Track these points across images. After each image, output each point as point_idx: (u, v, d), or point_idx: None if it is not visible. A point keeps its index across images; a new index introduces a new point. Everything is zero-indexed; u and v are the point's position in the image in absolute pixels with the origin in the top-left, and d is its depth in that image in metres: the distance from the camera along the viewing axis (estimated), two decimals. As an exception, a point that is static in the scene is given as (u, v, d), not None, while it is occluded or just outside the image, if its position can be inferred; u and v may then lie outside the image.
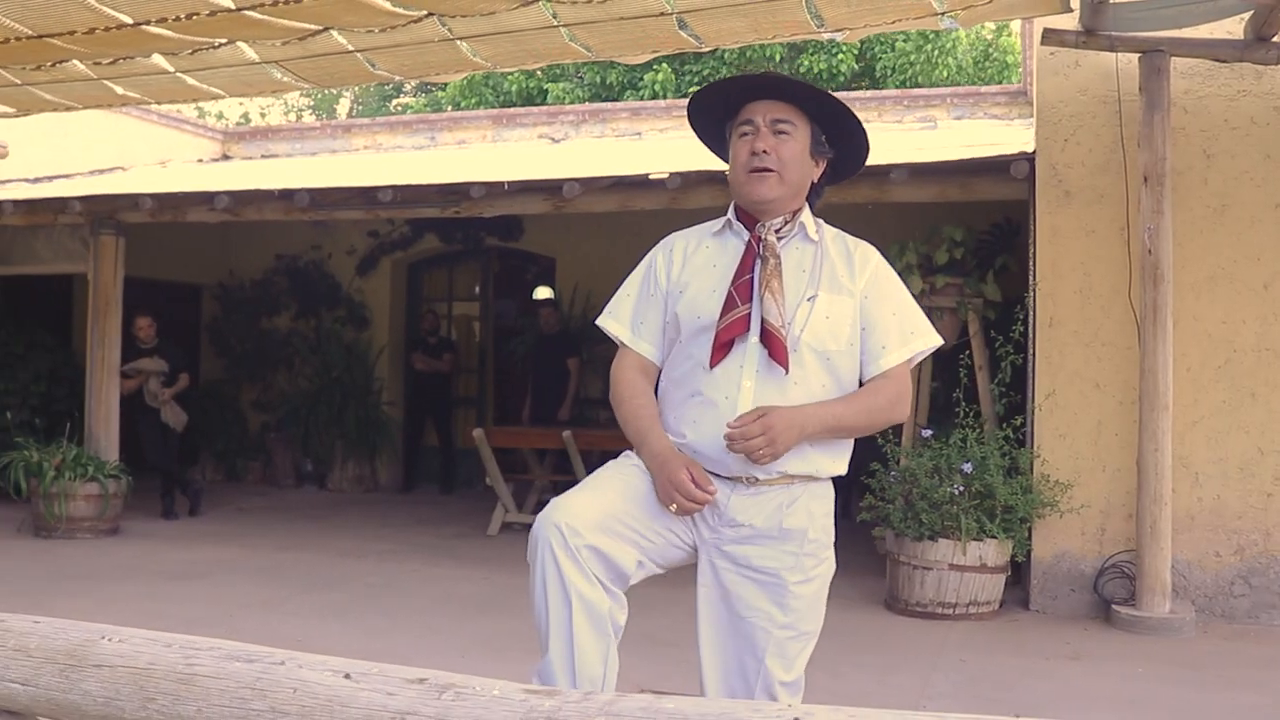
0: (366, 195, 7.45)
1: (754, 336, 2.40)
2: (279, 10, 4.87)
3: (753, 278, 2.44)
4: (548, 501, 7.84)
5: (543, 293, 11.83)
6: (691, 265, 2.54)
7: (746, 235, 2.50)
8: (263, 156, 11.71)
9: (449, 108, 16.77)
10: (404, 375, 11.67)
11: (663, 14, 5.16)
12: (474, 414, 11.99)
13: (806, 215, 2.55)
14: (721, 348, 2.41)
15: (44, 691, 1.58)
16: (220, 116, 13.97)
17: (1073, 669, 5.04)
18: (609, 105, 11.91)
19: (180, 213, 8.13)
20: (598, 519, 2.29)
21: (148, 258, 9.42)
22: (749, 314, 2.41)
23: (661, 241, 2.65)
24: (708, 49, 5.83)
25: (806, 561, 2.41)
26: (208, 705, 1.47)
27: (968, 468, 6.05)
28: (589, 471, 8.34)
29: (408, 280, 12.03)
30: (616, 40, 5.65)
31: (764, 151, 2.44)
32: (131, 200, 7.91)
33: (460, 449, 11.67)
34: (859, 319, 2.46)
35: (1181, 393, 5.97)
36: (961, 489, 6.00)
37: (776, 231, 2.49)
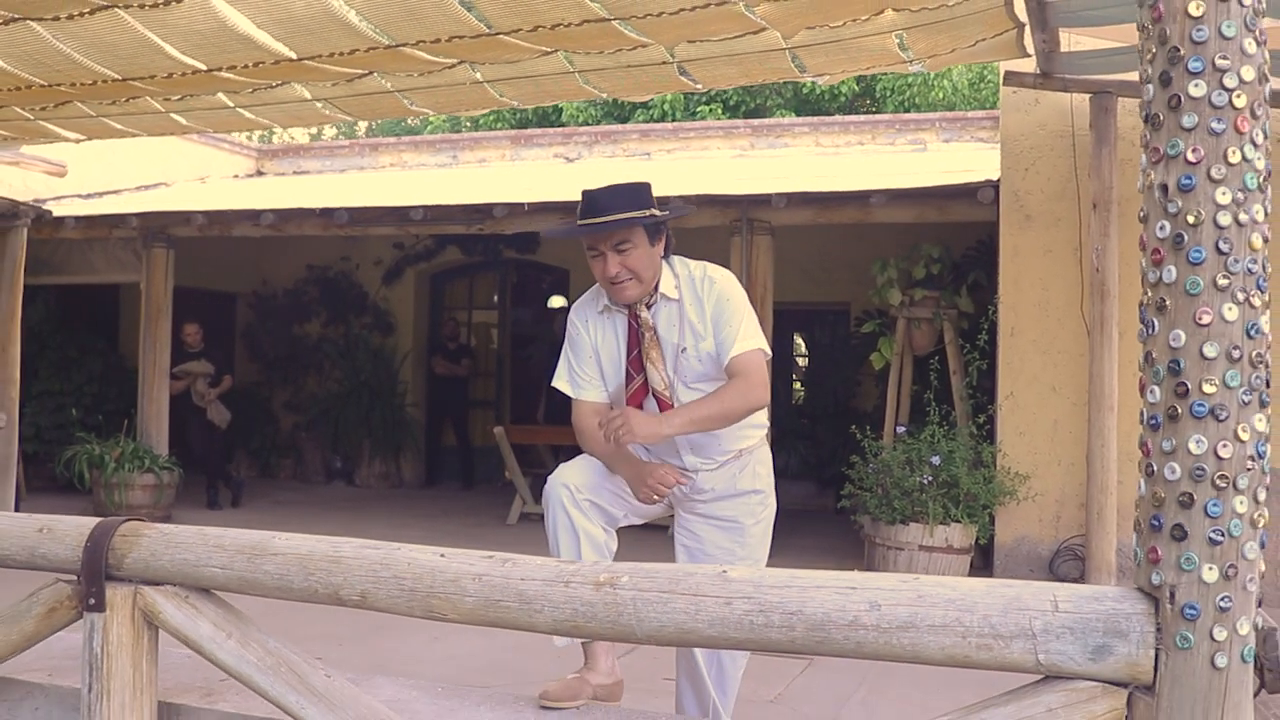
0: (399, 214, 8.24)
1: (652, 401, 3.13)
2: (333, 60, 5.68)
3: (639, 352, 3.13)
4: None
5: (557, 302, 12.62)
6: (596, 333, 3.21)
7: (625, 313, 3.15)
8: (294, 173, 12.51)
9: (467, 125, 17.56)
10: (425, 379, 12.46)
11: (665, 63, 5.95)
12: (491, 415, 12.78)
13: (664, 279, 3.13)
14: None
15: (235, 573, 2.34)
16: (253, 136, 14.74)
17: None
18: (620, 127, 12.67)
19: (227, 227, 8.93)
20: (593, 483, 3.05)
21: (188, 268, 10.20)
22: (645, 381, 3.13)
23: (570, 316, 3.29)
24: (705, 89, 6.60)
25: (756, 509, 3.20)
26: (350, 575, 2.23)
27: (936, 460, 6.80)
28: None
29: (430, 290, 12.83)
30: (625, 83, 6.45)
31: (616, 273, 3.04)
32: (184, 216, 8.71)
33: (477, 447, 12.48)
34: (718, 339, 3.09)
35: (1127, 395, 6.70)
36: (930, 479, 6.75)
37: (646, 306, 3.13)
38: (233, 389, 10.39)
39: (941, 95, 15.46)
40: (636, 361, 3.13)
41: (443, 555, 2.21)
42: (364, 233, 9.04)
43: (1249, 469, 1.75)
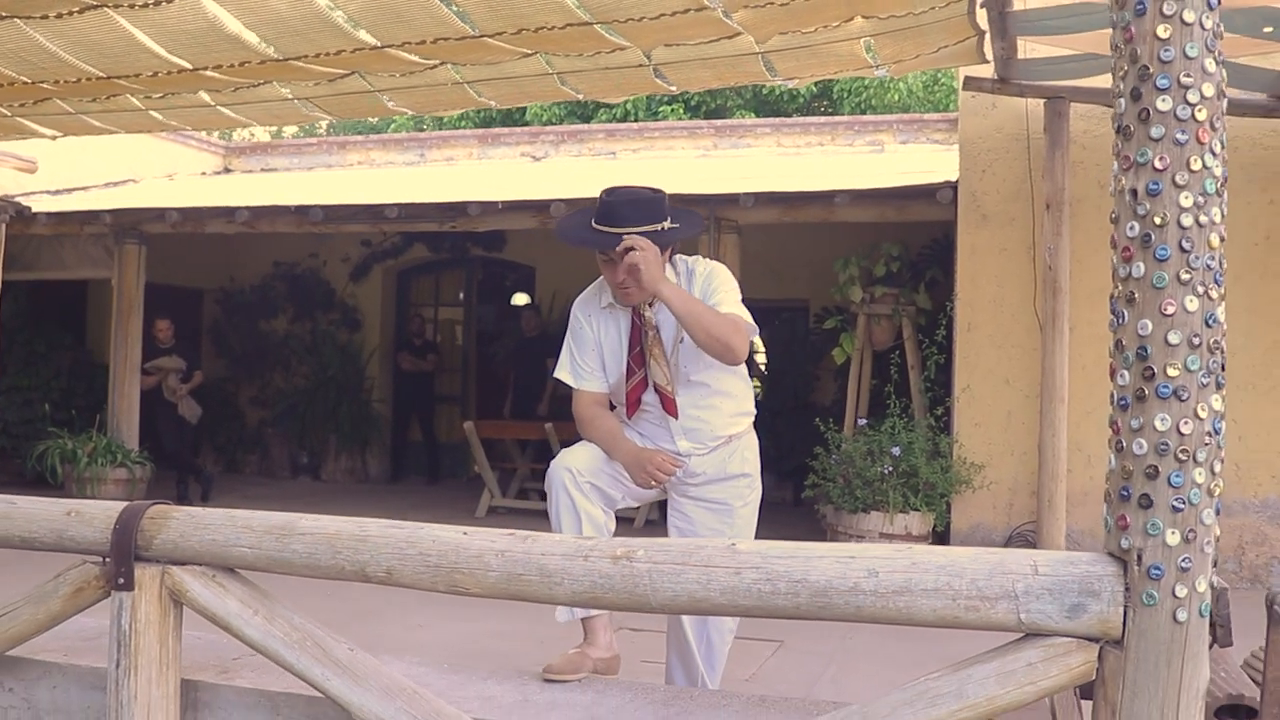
0: (374, 211, 8.35)
1: (651, 394, 3.30)
2: (319, 60, 5.79)
3: (642, 349, 3.31)
4: (529, 489, 8.76)
5: (520, 299, 12.79)
6: (600, 328, 3.37)
7: (629, 311, 3.33)
8: (262, 170, 12.56)
9: (428, 124, 17.62)
10: (391, 374, 12.55)
11: (641, 65, 6.11)
12: (456, 411, 12.90)
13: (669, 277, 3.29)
14: (633, 405, 3.34)
15: (264, 552, 2.48)
16: (224, 134, 14.72)
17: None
18: (586, 127, 12.83)
19: (200, 224, 8.99)
20: (594, 468, 3.21)
21: (155, 264, 10.23)
22: (645, 376, 3.30)
23: (574, 309, 3.46)
24: (678, 91, 6.78)
25: (745, 492, 3.40)
26: (377, 553, 2.38)
27: (896, 451, 7.03)
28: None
29: (397, 286, 12.92)
30: (601, 85, 6.61)
31: (624, 281, 3.20)
32: (158, 213, 8.77)
33: (442, 443, 12.61)
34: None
35: (1077, 387, 6.96)
36: (891, 469, 6.98)
37: (649, 306, 3.31)
38: (201, 385, 10.43)
39: (897, 97, 15.75)
40: (639, 357, 3.29)
41: (466, 533, 2.37)
42: (337, 230, 9.13)
43: (1206, 444, 1.95)
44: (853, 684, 4.80)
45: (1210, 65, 1.96)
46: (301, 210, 8.40)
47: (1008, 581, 2.04)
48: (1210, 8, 1.97)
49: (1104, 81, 6.66)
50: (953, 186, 7.40)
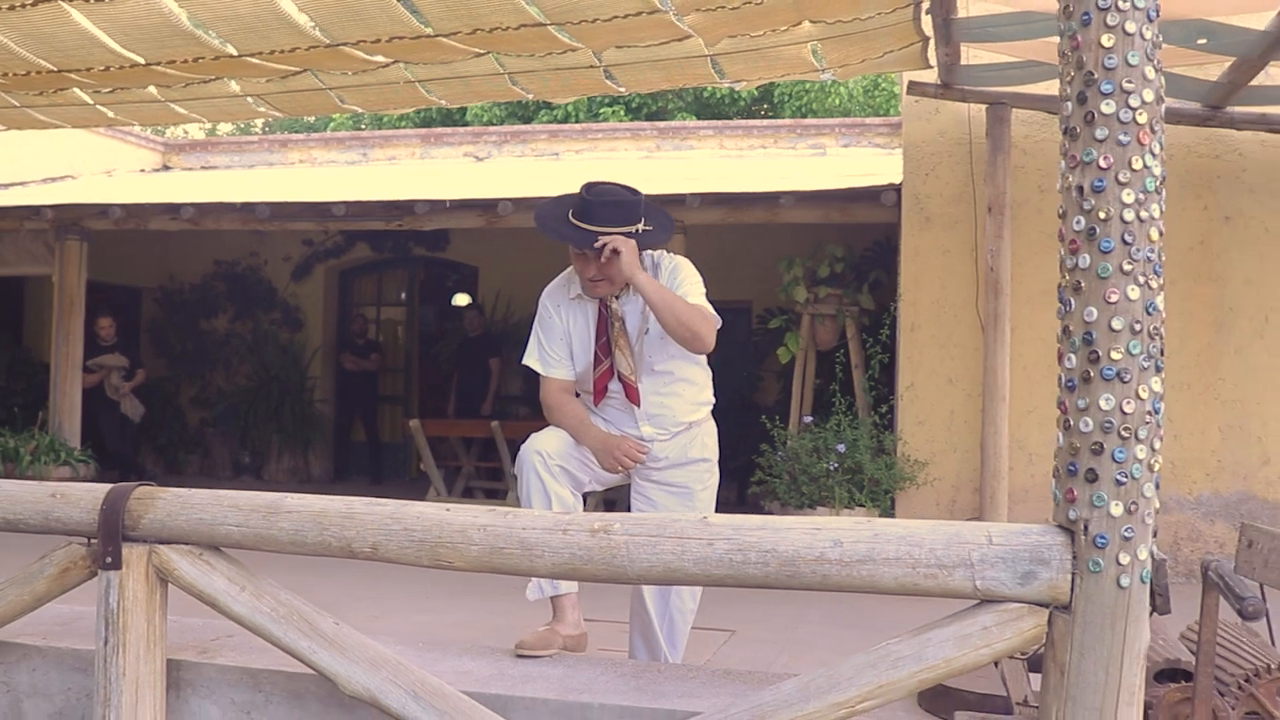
0: (321, 209, 8.37)
1: (616, 382, 3.43)
2: (273, 57, 5.84)
3: (608, 339, 3.45)
4: (473, 487, 8.81)
5: (461, 299, 12.86)
6: (567, 318, 3.51)
7: (596, 302, 3.47)
8: (202, 168, 12.47)
9: (366, 123, 17.57)
10: (334, 374, 12.54)
11: (592, 66, 6.24)
12: (400, 411, 12.92)
13: None
14: (600, 392, 3.48)
15: (251, 530, 2.57)
16: (155, 130, 14.56)
17: (923, 605, 6.18)
18: (529, 127, 12.91)
19: (144, 221, 8.94)
20: (563, 451, 3.33)
21: (94, 262, 10.12)
22: (611, 365, 3.44)
23: (542, 298, 3.59)
24: (627, 92, 6.91)
25: (705, 476, 3.55)
26: (364, 530, 2.48)
27: (841, 448, 7.21)
28: (513, 457, 9.36)
29: (339, 286, 12.91)
30: (552, 85, 6.72)
31: (594, 276, 3.36)
32: (100, 209, 8.72)
33: (385, 443, 12.63)
34: None
35: (1018, 387, 7.19)
36: (836, 465, 7.16)
37: (616, 298, 3.46)
38: (143, 383, 10.36)
39: (838, 101, 16.02)
40: (605, 346, 3.42)
41: (449, 510, 2.47)
42: (282, 228, 9.13)
43: (1147, 422, 2.11)
44: (805, 669, 4.93)
45: (1150, 73, 2.12)
46: (247, 207, 8.40)
47: (964, 550, 2.20)
48: (1150, 19, 2.14)
49: (1045, 88, 6.91)
50: (896, 189, 7.60)
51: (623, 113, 15.78)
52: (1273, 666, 2.24)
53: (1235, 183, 7.15)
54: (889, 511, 7.32)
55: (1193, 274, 7.09)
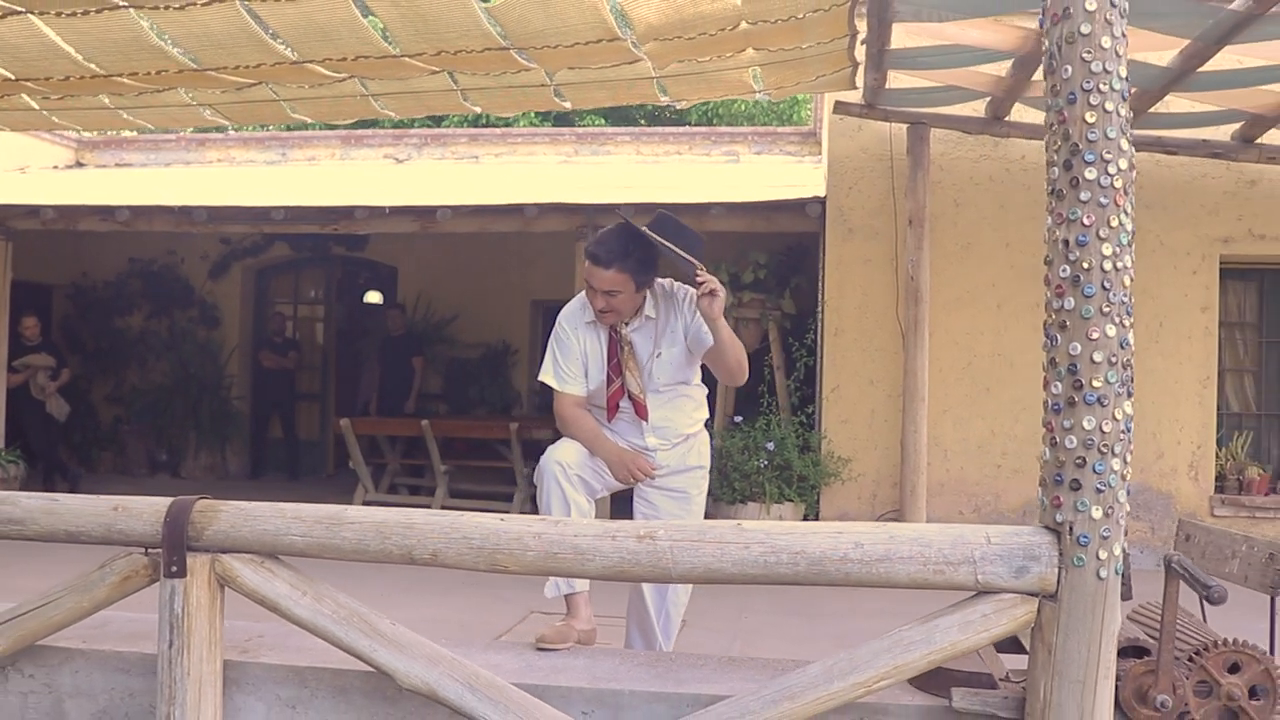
0: (259, 213, 8.47)
1: (626, 399, 3.76)
2: (237, 71, 5.98)
3: (619, 361, 3.76)
4: (398, 484, 9.01)
5: (373, 297, 13.01)
6: (583, 339, 3.80)
7: (607, 329, 3.77)
8: (116, 165, 12.34)
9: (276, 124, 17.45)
10: (252, 372, 12.56)
11: (544, 85, 6.50)
12: (317, 408, 13.01)
13: (646, 303, 3.75)
14: (612, 409, 3.79)
15: (315, 540, 2.80)
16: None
17: (852, 595, 6.59)
18: (449, 130, 13.06)
19: (74, 221, 8.92)
20: (580, 462, 3.63)
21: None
22: (622, 384, 3.76)
23: (560, 320, 3.86)
24: (573, 108, 7.18)
25: (700, 481, 3.89)
26: (424, 538, 2.73)
27: (771, 446, 7.61)
28: (445, 453, 9.56)
29: (256, 284, 12.91)
30: (501, 101, 6.98)
31: (602, 307, 3.67)
32: (31, 209, 8.67)
33: (301, 440, 12.70)
34: (686, 337, 3.77)
35: (935, 388, 7.67)
36: (766, 462, 7.55)
37: (626, 324, 3.76)
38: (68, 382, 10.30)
39: (743, 107, 16.46)
40: (616, 367, 3.73)
41: (503, 519, 2.75)
42: (216, 230, 9.17)
43: (1121, 439, 2.50)
44: (759, 654, 5.30)
45: (1124, 144, 2.51)
46: (184, 211, 8.46)
47: (967, 550, 2.56)
48: (1123, 99, 2.52)
49: (962, 110, 7.39)
50: (821, 201, 8.02)
51: (534, 116, 15.97)
52: (1219, 643, 2.65)
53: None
54: (814, 506, 7.75)
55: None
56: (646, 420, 3.73)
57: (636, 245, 3.68)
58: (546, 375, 3.82)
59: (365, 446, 10.60)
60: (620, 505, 4.47)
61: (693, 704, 2.82)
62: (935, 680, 2.83)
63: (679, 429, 3.78)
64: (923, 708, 2.79)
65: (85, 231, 10.90)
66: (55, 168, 12.08)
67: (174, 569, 2.87)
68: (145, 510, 2.96)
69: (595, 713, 2.89)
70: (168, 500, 2.97)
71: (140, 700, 3.16)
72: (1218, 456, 7.98)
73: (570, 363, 3.77)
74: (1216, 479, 7.93)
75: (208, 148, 12.44)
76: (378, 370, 11.86)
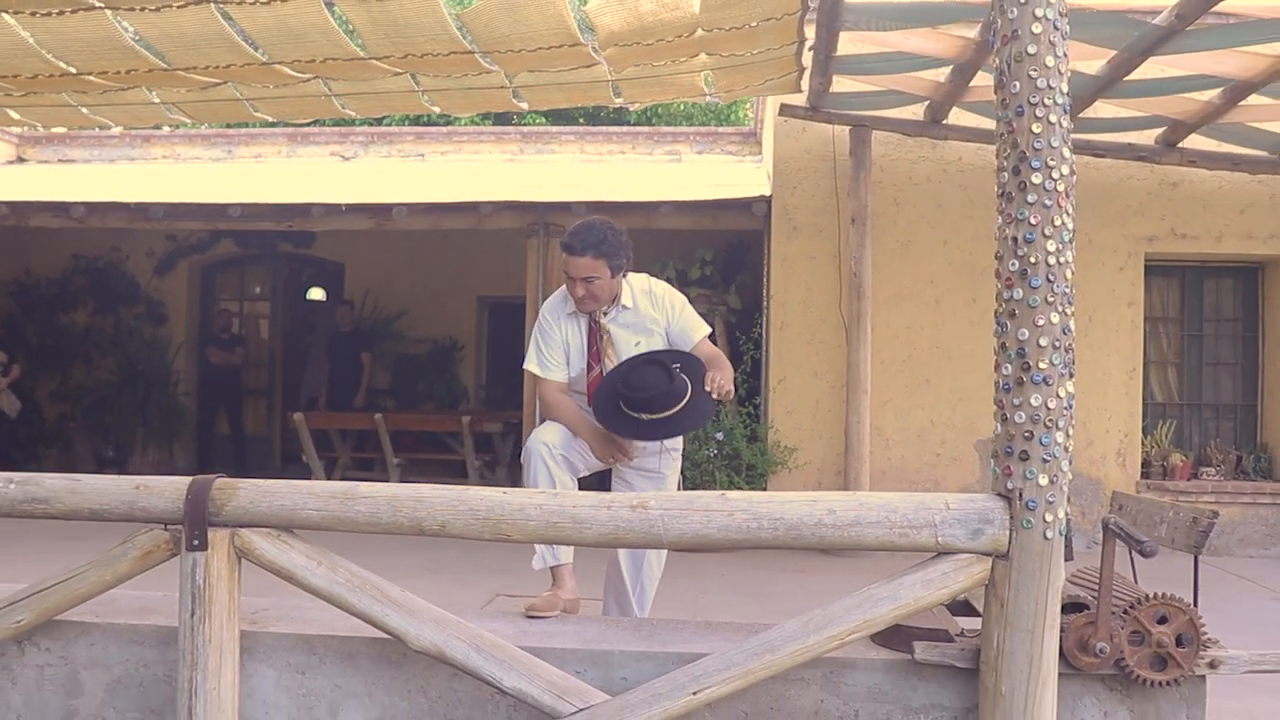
0: (215, 210, 8.59)
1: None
2: (206, 71, 6.13)
3: (598, 349, 4.04)
4: (349, 476, 9.25)
5: (316, 294, 13.13)
6: (565, 329, 4.08)
7: (586, 319, 4.06)
8: (59, 161, 12.31)
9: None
10: (199, 368, 12.61)
11: (503, 87, 6.72)
12: (264, 404, 13.08)
13: (622, 293, 4.06)
14: (592, 395, 4.03)
15: (330, 514, 3.02)
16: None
17: (799, 578, 6.93)
18: (396, 129, 13.18)
19: (25, 218, 8.96)
20: (564, 443, 3.89)
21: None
22: (600, 370, 4.03)
23: (543, 311, 4.15)
24: (529, 109, 7.41)
25: (674, 463, 4.18)
26: (433, 511, 2.97)
27: (720, 436, 7.91)
28: (395, 447, 9.77)
29: (203, 281, 12.96)
30: (460, 102, 7.19)
31: (581, 295, 3.95)
32: (-16, 207, 8.71)
33: (250, 435, 12.78)
34: (668, 337, 4.09)
35: (877, 380, 8.02)
36: (716, 452, 7.85)
37: (605, 313, 4.05)
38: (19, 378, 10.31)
39: (682, 107, 16.76)
40: (596, 355, 3.98)
41: (505, 493, 2.99)
42: (171, 227, 9.25)
43: (1064, 415, 2.81)
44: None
45: (1066, 153, 2.82)
46: (140, 207, 8.55)
47: (929, 515, 2.85)
48: (1065, 111, 2.83)
49: (902, 113, 7.74)
50: (767, 200, 8.33)
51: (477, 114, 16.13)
52: (1149, 597, 2.97)
53: (1061, 200, 8.13)
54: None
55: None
56: None
57: (608, 233, 3.93)
58: (531, 364, 4.07)
59: (315, 441, 10.76)
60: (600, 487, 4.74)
61: (677, 661, 3.08)
62: (898, 637, 3.12)
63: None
64: (888, 661, 3.08)
65: (29, 228, 10.92)
66: (-2, 163, 12.04)
67: (196, 543, 3.08)
68: (166, 488, 3.16)
69: (588, 671, 3.14)
70: (187, 479, 3.18)
71: (154, 670, 3.36)
72: (1143, 444, 8.42)
73: (553, 351, 4.02)
74: (1143, 465, 8.38)
75: (153, 144, 12.45)
76: (326, 365, 11.99)
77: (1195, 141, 7.84)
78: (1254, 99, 6.88)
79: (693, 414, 3.86)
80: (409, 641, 3.03)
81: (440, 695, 3.19)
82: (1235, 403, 8.74)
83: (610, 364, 3.99)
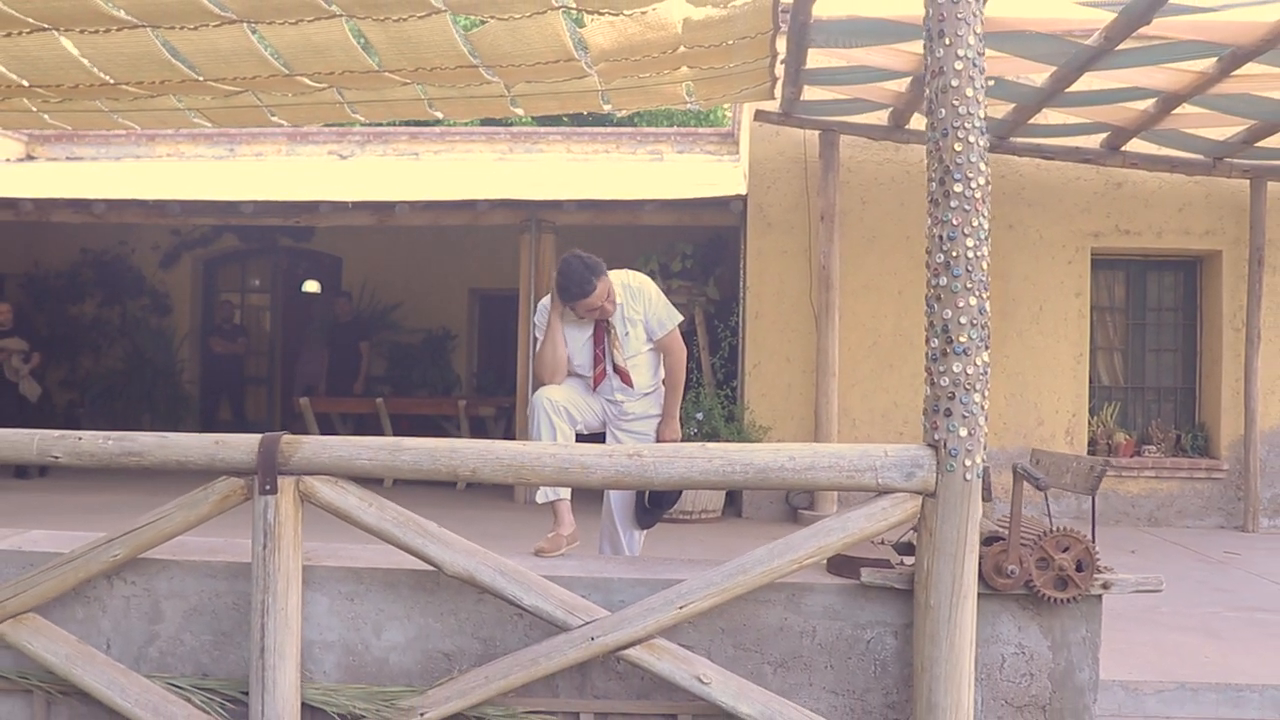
0: (229, 207, 9.18)
1: (611, 369, 4.71)
2: (233, 81, 6.72)
3: (605, 344, 4.72)
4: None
5: (310, 286, 13.74)
6: (567, 319, 4.74)
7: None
8: (68, 159, 12.86)
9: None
10: (202, 357, 13.20)
11: (502, 96, 7.34)
12: (264, 391, 13.68)
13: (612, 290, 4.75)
14: (599, 379, 4.72)
15: (380, 463, 3.66)
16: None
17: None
18: (391, 129, 13.76)
19: (47, 214, 9.53)
20: (565, 399, 4.54)
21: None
22: (604, 367, 4.71)
23: (542, 303, 4.81)
24: (525, 115, 8.04)
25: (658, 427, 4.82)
26: (465, 459, 3.60)
27: (700, 416, 8.56)
28: (395, 429, 10.45)
29: (205, 274, 13.54)
30: (461, 109, 7.81)
31: (599, 314, 4.62)
32: (9, 202, 9.27)
33: (251, 421, 13.37)
34: (646, 325, 4.77)
35: (845, 364, 8.68)
36: (695, 431, 8.50)
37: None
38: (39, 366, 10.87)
39: (663, 108, 17.39)
40: (603, 350, 4.64)
41: (525, 445, 3.64)
42: (186, 222, 9.84)
43: (981, 379, 3.47)
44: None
45: (983, 165, 3.48)
46: (159, 205, 9.13)
47: (871, 461, 3.51)
48: (982, 133, 3.49)
49: (867, 119, 8.40)
50: (743, 199, 8.99)
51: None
52: (1053, 530, 3.64)
53: (1016, 198, 8.84)
54: (740, 470, 8.70)
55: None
56: (632, 387, 4.72)
57: (583, 261, 4.57)
58: (537, 331, 4.73)
59: (318, 424, 11.36)
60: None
61: (666, 585, 3.74)
62: (848, 567, 3.78)
63: (643, 386, 4.72)
64: (840, 585, 3.74)
65: (41, 222, 11.49)
66: (8, 160, 12.57)
67: (267, 488, 3.71)
68: (241, 443, 3.79)
69: (592, 595, 3.78)
70: (258, 436, 3.81)
71: (225, 599, 3.98)
72: (1090, 423, 9.13)
73: (552, 329, 4.67)
74: (1089, 443, 9.09)
75: (157, 142, 13.01)
76: (324, 354, 12.60)
77: (1137, 145, 8.54)
78: (1185, 108, 7.57)
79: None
80: (444, 568, 3.67)
81: (468, 616, 3.83)
82: (1175, 385, 9.47)
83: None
